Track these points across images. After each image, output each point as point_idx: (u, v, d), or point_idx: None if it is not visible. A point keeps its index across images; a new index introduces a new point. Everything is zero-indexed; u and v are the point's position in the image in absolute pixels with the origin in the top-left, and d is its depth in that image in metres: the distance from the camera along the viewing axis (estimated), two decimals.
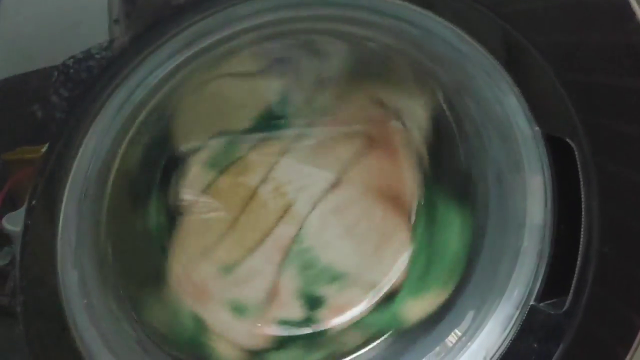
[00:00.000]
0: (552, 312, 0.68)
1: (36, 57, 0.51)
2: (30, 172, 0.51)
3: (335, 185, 0.78)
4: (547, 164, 0.67)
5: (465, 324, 0.76)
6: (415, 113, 0.78)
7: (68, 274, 0.58)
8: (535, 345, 0.70)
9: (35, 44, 0.51)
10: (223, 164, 0.75)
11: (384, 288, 0.81)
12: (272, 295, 0.78)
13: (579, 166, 0.63)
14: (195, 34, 0.57)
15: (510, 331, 0.72)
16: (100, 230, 0.66)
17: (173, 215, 0.75)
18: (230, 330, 0.77)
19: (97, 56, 0.50)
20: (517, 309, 0.71)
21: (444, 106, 0.77)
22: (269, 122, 0.75)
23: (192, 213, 0.75)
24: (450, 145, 0.78)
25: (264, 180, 0.76)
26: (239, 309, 0.77)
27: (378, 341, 0.82)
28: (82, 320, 0.59)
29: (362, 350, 0.82)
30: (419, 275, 0.81)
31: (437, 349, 0.78)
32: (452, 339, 0.77)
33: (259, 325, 0.78)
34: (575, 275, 0.65)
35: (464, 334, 0.76)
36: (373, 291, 0.81)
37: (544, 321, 0.69)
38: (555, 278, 0.69)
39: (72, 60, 0.50)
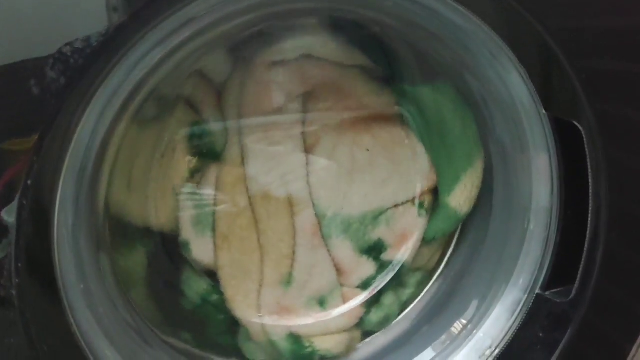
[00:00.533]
0: (558, 301, 0.67)
1: (33, 45, 0.50)
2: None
3: (310, 148, 0.76)
4: (553, 144, 0.65)
5: (470, 312, 0.75)
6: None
7: (65, 256, 0.58)
8: (541, 334, 0.69)
9: (32, 32, 0.50)
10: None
11: (425, 193, 0.80)
12: (338, 272, 0.78)
13: (586, 150, 0.62)
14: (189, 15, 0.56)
15: (516, 319, 0.71)
16: (98, 210, 0.66)
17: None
18: (324, 326, 0.78)
19: (95, 44, 0.50)
20: (524, 294, 0.71)
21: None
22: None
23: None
24: None
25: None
26: (321, 302, 0.78)
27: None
28: (79, 305, 0.58)
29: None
30: (445, 166, 0.78)
31: (443, 337, 0.77)
32: (457, 327, 0.76)
33: (346, 303, 0.79)
34: (582, 264, 0.64)
35: (469, 322, 0.75)
36: (416, 203, 0.80)
37: (549, 310, 0.68)
38: (562, 266, 0.68)
39: (69, 47, 0.49)
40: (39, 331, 0.54)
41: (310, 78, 0.73)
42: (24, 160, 0.51)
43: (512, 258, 0.71)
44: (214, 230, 0.74)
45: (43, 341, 0.55)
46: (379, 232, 0.79)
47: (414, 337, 0.79)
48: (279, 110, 0.74)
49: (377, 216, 0.78)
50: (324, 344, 0.79)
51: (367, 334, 0.83)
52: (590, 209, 0.63)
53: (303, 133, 0.75)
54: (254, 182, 0.74)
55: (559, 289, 0.68)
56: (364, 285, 0.80)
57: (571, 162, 0.65)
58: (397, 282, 0.81)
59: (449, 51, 0.68)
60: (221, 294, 0.76)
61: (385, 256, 0.80)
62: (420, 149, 0.78)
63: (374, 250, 0.79)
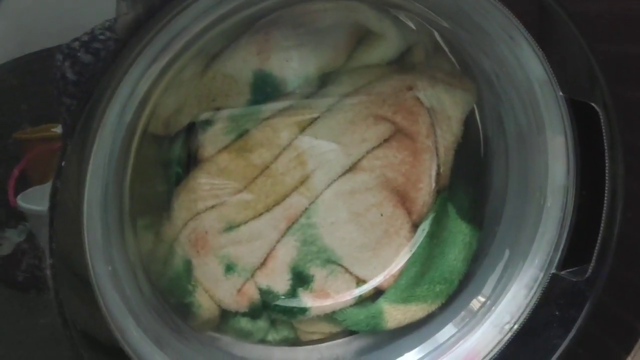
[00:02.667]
0: (574, 280, 0.68)
1: (42, 37, 0.51)
2: (44, 149, 0.53)
3: (354, 167, 0.77)
4: (570, 126, 0.65)
5: (487, 289, 0.76)
6: (448, 115, 0.78)
7: (94, 238, 0.60)
8: (557, 313, 0.69)
9: (41, 23, 0.51)
10: (245, 127, 0.75)
11: (372, 286, 0.81)
12: (265, 261, 0.78)
13: (603, 131, 0.62)
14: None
15: (534, 295, 0.71)
16: (125, 182, 0.68)
17: (195, 157, 0.76)
18: (215, 285, 0.77)
19: (102, 37, 0.51)
20: (541, 272, 0.71)
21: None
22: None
23: (210, 163, 0.75)
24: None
25: (287, 148, 0.76)
26: (229, 267, 0.78)
27: (341, 340, 0.83)
28: (107, 287, 0.61)
29: (324, 344, 0.83)
30: (408, 284, 0.80)
31: (463, 313, 0.78)
32: (475, 304, 0.78)
33: (243, 287, 0.78)
34: (598, 243, 0.65)
35: (487, 299, 0.76)
36: (360, 286, 0.81)
37: (565, 289, 0.69)
38: (577, 246, 0.68)
39: (77, 43, 0.51)
40: (72, 312, 0.56)
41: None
42: (40, 147, 0.53)
43: (528, 238, 0.72)
44: (244, 133, 0.75)
45: (76, 321, 0.57)
46: (317, 271, 0.79)
47: (433, 315, 0.80)
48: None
49: (330, 261, 0.79)
50: (204, 302, 0.78)
51: None
52: (606, 189, 0.64)
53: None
54: None
55: (574, 268, 0.69)
56: (264, 292, 0.79)
57: (588, 143, 0.65)
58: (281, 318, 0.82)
59: (466, 33, 0.68)
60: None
61: (299, 291, 0.80)
62: (409, 253, 0.80)
63: (299, 279, 0.80)
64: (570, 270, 0.69)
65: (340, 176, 0.77)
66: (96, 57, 0.51)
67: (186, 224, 0.76)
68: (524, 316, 0.72)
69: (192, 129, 0.76)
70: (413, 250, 0.81)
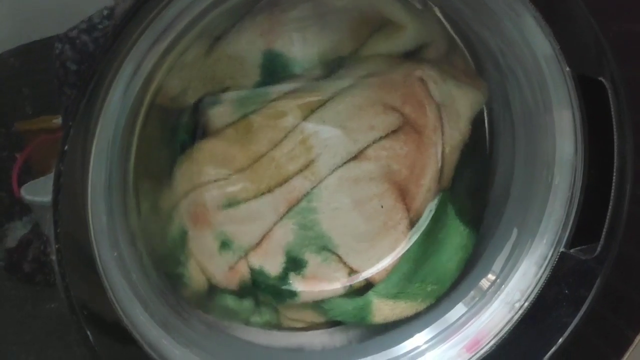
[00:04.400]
0: (583, 258, 0.67)
1: (44, 24, 0.51)
2: (47, 140, 0.53)
3: (360, 155, 0.77)
4: (577, 102, 0.64)
5: (496, 268, 0.76)
6: (458, 111, 0.77)
7: (99, 223, 0.60)
8: (567, 291, 0.69)
9: (43, 10, 0.51)
10: (253, 107, 0.75)
11: (364, 277, 0.81)
12: (261, 242, 0.78)
13: (611, 107, 0.61)
14: None
15: (543, 272, 0.71)
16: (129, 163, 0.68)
17: (203, 128, 0.76)
18: (208, 260, 0.77)
19: (100, 26, 0.50)
20: (550, 250, 0.71)
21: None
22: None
23: (217, 137, 0.75)
24: None
25: (293, 130, 0.75)
26: (225, 244, 0.78)
27: (321, 330, 0.83)
28: (113, 272, 0.61)
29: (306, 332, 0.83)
30: (400, 280, 0.80)
31: (472, 292, 0.78)
32: (485, 283, 0.77)
33: (236, 265, 0.78)
34: (607, 221, 0.64)
35: (497, 277, 0.76)
36: (352, 276, 0.81)
37: (574, 267, 0.68)
38: (586, 224, 0.68)
39: (75, 31, 0.50)
40: (78, 297, 0.57)
41: None
42: (43, 137, 0.53)
43: (536, 217, 0.71)
44: (252, 112, 0.75)
45: (83, 306, 0.57)
46: (311, 257, 0.79)
47: (442, 295, 0.80)
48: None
49: (326, 248, 0.79)
50: (195, 275, 0.78)
51: None
52: (614, 166, 0.63)
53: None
54: None
55: (584, 247, 0.68)
56: (257, 272, 0.79)
57: (596, 120, 0.64)
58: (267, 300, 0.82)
59: (469, 9, 0.67)
60: None
61: (291, 275, 0.80)
62: (404, 248, 0.80)
63: (292, 262, 0.79)
64: (580, 248, 0.68)
65: (345, 162, 0.77)
66: (96, 45, 0.51)
67: (187, 194, 0.76)
68: (534, 294, 0.71)
69: (199, 104, 0.75)
70: (408, 247, 0.81)
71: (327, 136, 0.76)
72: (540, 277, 0.71)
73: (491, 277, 0.77)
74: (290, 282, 0.80)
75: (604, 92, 0.61)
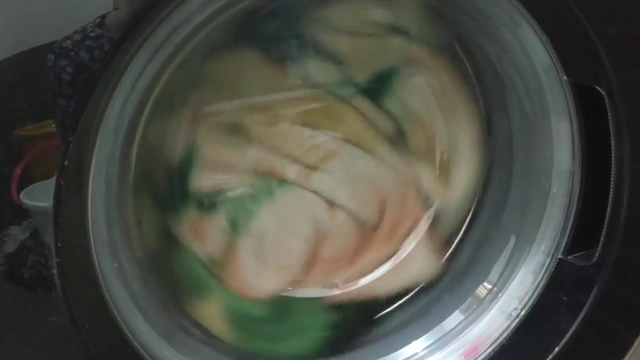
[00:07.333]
0: (581, 264, 0.68)
1: (42, 33, 0.51)
2: (46, 146, 0.52)
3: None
4: (575, 110, 0.65)
5: (493, 276, 0.76)
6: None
7: (99, 235, 0.60)
8: (565, 298, 0.69)
9: (41, 18, 0.51)
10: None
11: None
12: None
13: (608, 114, 0.62)
14: None
15: (541, 280, 0.71)
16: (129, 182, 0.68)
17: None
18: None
19: (92, 34, 0.50)
20: (547, 257, 0.71)
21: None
22: None
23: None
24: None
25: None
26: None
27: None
28: (114, 283, 0.61)
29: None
30: None
31: (469, 300, 0.78)
32: (482, 290, 0.77)
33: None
34: (605, 227, 0.65)
35: (494, 285, 0.76)
36: None
37: (572, 273, 0.69)
38: (584, 230, 0.68)
39: (69, 41, 0.50)
40: (80, 309, 0.56)
41: None
42: (42, 143, 0.52)
43: (534, 224, 0.72)
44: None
45: (84, 318, 0.57)
46: None
47: (439, 303, 0.80)
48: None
49: None
50: None
51: None
52: (612, 173, 0.63)
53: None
54: None
55: (582, 253, 0.69)
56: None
57: (593, 127, 0.65)
58: None
59: (467, 18, 0.67)
60: None
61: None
62: None
63: None
64: (578, 254, 0.69)
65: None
66: (90, 55, 0.50)
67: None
68: (531, 302, 0.72)
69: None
70: None
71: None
72: (538, 284, 0.72)
73: (488, 285, 0.77)
74: None
75: (601, 100, 0.62)
